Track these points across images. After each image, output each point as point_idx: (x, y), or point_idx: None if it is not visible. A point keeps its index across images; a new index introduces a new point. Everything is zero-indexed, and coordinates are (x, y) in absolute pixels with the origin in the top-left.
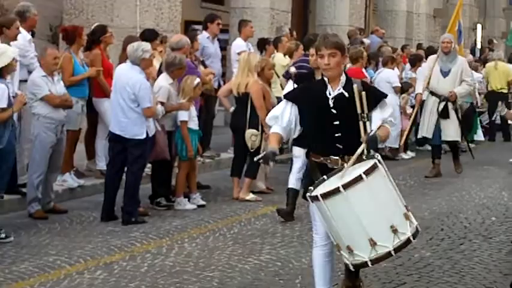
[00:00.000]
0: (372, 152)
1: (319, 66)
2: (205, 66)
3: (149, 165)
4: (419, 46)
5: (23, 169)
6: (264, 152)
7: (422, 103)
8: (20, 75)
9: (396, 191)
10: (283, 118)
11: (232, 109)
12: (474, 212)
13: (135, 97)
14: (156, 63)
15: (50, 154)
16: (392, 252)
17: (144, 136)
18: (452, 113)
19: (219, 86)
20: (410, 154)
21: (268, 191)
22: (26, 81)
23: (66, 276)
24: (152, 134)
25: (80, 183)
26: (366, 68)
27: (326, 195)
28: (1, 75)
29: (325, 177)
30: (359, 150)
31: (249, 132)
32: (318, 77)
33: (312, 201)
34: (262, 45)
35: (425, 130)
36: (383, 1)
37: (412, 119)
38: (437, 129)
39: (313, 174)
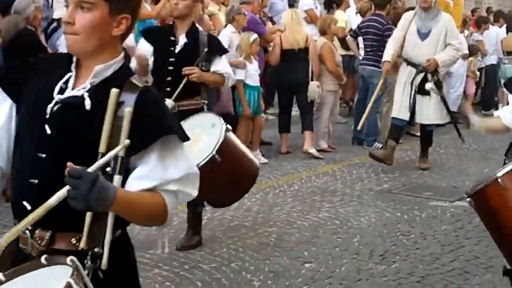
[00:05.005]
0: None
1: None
2: (273, 23)
3: None
4: (488, 10)
5: None
6: None
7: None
8: None
9: None
10: None
11: None
12: None
13: None
14: (223, 20)
15: None
16: None
17: None
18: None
19: None
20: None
21: (329, 149)
22: None
23: None
24: None
25: None
26: None
27: None
28: None
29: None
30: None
31: (314, 84)
32: None
33: None
34: (329, 3)
35: (399, 110)
36: None
37: (376, 92)
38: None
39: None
